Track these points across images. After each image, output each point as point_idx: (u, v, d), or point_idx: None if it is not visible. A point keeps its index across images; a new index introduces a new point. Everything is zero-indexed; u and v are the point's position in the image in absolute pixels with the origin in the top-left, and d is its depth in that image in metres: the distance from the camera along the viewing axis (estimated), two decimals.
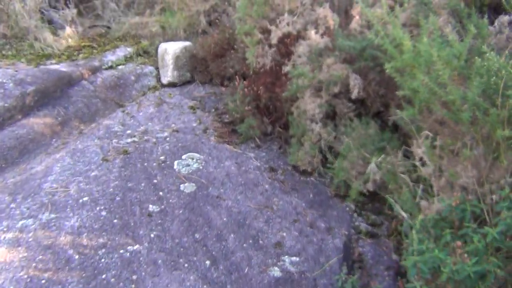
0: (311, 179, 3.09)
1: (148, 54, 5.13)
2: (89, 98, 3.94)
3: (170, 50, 4.43)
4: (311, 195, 2.92)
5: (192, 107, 3.94)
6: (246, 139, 3.43)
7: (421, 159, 2.43)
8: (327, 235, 2.57)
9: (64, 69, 4.05)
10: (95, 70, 4.32)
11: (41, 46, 5.10)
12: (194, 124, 3.63)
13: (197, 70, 4.55)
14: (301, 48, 3.01)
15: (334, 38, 2.98)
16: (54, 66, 4.18)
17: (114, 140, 3.34)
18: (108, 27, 6.39)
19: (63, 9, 6.14)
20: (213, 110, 3.93)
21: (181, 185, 2.82)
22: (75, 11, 5.83)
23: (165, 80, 4.49)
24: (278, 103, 3.49)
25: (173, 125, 3.60)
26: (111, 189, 2.73)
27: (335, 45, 2.96)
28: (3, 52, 4.83)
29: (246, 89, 3.52)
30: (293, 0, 2.99)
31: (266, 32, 3.50)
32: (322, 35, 2.99)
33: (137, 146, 3.24)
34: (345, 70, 2.82)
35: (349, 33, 3.01)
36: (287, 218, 2.66)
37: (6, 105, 3.39)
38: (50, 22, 5.84)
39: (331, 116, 3.22)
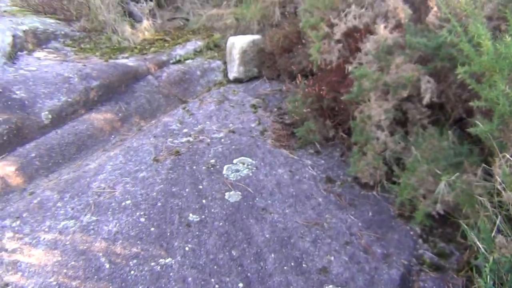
0: (372, 193, 2.74)
1: (219, 48, 5.00)
2: (152, 93, 3.90)
3: (237, 44, 4.24)
4: (370, 213, 2.57)
5: (253, 106, 3.73)
6: (305, 144, 3.14)
7: (502, 181, 2.01)
8: (382, 264, 2.22)
9: (131, 64, 4.04)
10: (162, 65, 4.27)
11: (118, 39, 5.20)
12: (253, 125, 3.41)
13: (264, 65, 4.33)
14: (368, 45, 2.65)
15: (405, 33, 2.58)
16: (123, 60, 4.20)
17: (169, 139, 3.24)
18: (187, 19, 6.39)
19: (143, 2, 6.24)
20: (275, 109, 3.69)
21: (227, 193, 2.63)
22: (152, 3, 5.88)
23: (231, 75, 4.33)
24: (343, 105, 3.16)
25: (230, 124, 3.42)
26: (155, 193, 2.62)
27: (406, 42, 2.56)
28: (82, 45, 4.98)
29: (308, 89, 3.23)
30: None
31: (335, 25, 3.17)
32: (391, 30, 2.60)
33: (190, 146, 3.10)
34: (415, 72, 2.42)
35: (425, 27, 2.59)
36: (338, 239, 2.36)
37: (69, 100, 3.43)
38: (130, 14, 5.95)
39: (401, 122, 2.82)
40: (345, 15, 2.74)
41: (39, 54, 4.34)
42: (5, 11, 5.08)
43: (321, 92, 3.14)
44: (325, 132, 3.16)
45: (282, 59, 4.14)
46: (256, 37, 4.39)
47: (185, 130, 3.38)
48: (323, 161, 3.00)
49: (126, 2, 5.95)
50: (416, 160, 2.47)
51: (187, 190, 2.65)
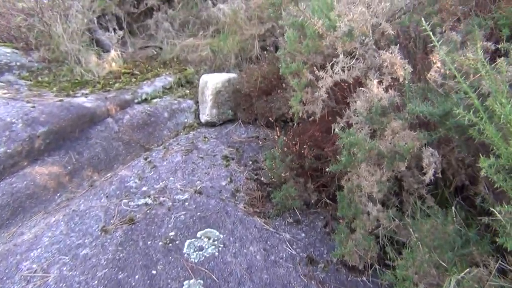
0: (362, 279, 2.28)
1: (191, 85, 4.56)
2: (110, 140, 3.40)
3: (210, 83, 3.80)
4: None
5: (226, 157, 3.27)
6: (282, 211, 2.69)
7: None
8: None
9: (88, 105, 3.55)
10: (125, 105, 3.79)
11: (81, 71, 4.72)
12: (223, 183, 2.95)
13: (240, 107, 3.89)
14: (358, 103, 2.23)
15: (403, 92, 2.17)
16: (81, 99, 3.71)
17: (124, 201, 2.75)
18: (160, 48, 5.96)
19: (114, 29, 5.79)
20: (250, 162, 3.23)
21: (186, 282, 2.14)
22: (121, 32, 5.43)
23: (203, 118, 3.88)
24: (330, 158, 2.72)
25: (198, 182, 2.95)
26: (96, 282, 2.11)
27: (404, 102, 2.14)
28: (40, 77, 4.49)
29: (288, 144, 2.79)
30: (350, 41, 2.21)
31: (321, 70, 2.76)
32: (387, 88, 2.18)
33: (147, 212, 2.62)
34: (416, 142, 2.00)
35: (426, 86, 2.18)
36: None
37: (8, 151, 2.92)
38: (98, 43, 5.49)
39: (395, 191, 2.40)
40: (332, 66, 2.32)
41: None
42: None
43: (302, 151, 2.71)
44: (307, 196, 2.71)
45: (260, 102, 3.72)
46: (232, 75, 3.96)
47: (144, 189, 2.89)
48: (303, 234, 2.53)
49: (94, 30, 5.49)
50: (415, 247, 2.03)
51: (136, 277, 2.15)
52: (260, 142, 3.52)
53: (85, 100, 3.65)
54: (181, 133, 3.74)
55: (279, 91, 3.47)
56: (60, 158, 3.12)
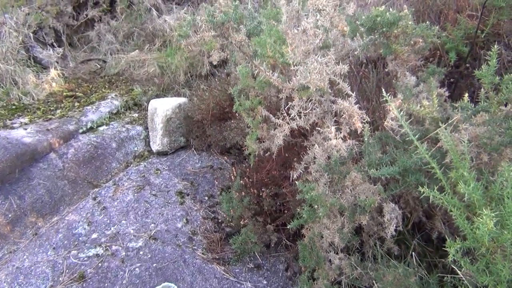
0: None
1: (140, 108, 4.37)
2: (54, 180, 3.18)
3: (160, 110, 3.64)
4: None
5: (180, 193, 3.14)
6: (242, 255, 2.61)
7: None
8: None
9: (28, 140, 3.30)
10: (69, 137, 3.56)
11: (18, 94, 4.40)
12: (179, 224, 2.83)
13: (193, 134, 3.77)
14: (316, 151, 2.18)
15: (362, 141, 2.15)
16: (19, 132, 3.44)
17: (73, 252, 2.58)
18: (104, 61, 5.68)
19: (53, 44, 5.44)
20: (206, 198, 3.13)
21: None
22: (61, 50, 5.11)
23: (154, 147, 3.72)
24: (287, 203, 2.68)
25: (152, 225, 2.81)
26: None
27: (363, 152, 2.12)
28: None
29: (244, 183, 2.71)
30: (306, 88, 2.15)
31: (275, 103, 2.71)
32: (345, 137, 2.15)
33: (99, 265, 2.46)
34: (377, 196, 1.98)
35: (384, 134, 2.17)
36: None
37: None
38: (36, 60, 5.15)
39: (355, 232, 2.38)
40: (288, 110, 2.25)
41: None
42: None
43: (260, 193, 2.64)
44: (266, 238, 2.65)
45: (213, 129, 3.61)
46: (182, 100, 3.82)
47: (94, 236, 2.73)
48: (265, 282, 2.47)
49: (31, 46, 5.14)
50: None
51: None
52: (215, 173, 3.42)
53: (24, 134, 3.39)
54: (131, 165, 3.57)
55: (232, 121, 3.38)
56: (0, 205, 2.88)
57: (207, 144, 3.72)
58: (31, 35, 5.12)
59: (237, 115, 3.35)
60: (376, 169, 2.01)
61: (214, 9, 2.22)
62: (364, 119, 2.06)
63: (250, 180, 2.83)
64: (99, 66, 5.68)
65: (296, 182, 2.17)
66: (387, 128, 2.19)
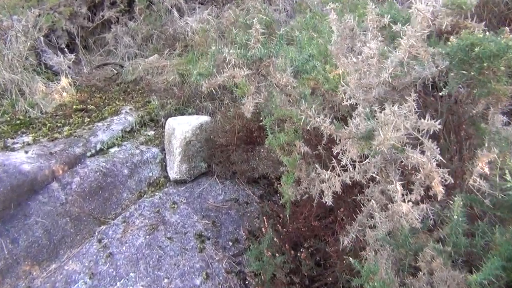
0: None
1: (156, 124, 3.90)
2: (54, 217, 2.74)
3: (178, 132, 3.16)
4: None
5: (200, 236, 2.66)
6: None
7: None
8: None
9: (27, 168, 2.86)
10: (74, 162, 3.11)
11: (25, 106, 3.98)
12: (198, 281, 2.35)
13: (215, 159, 3.27)
14: (377, 216, 1.66)
15: (438, 209, 1.61)
16: (19, 155, 3.01)
17: None
18: (121, 66, 5.24)
19: (64, 49, 5.02)
20: (230, 243, 2.64)
21: None
22: (73, 56, 4.67)
23: (171, 174, 3.24)
24: (333, 259, 2.17)
25: (165, 280, 2.34)
26: None
27: (442, 222, 1.59)
28: None
29: (277, 243, 2.21)
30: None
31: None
32: (417, 202, 1.61)
33: None
34: None
35: (468, 195, 1.62)
36: None
37: None
38: (47, 66, 4.73)
39: None
40: (339, 161, 1.73)
41: None
42: None
43: (299, 254, 2.13)
44: None
45: (239, 155, 3.11)
46: (204, 119, 3.33)
47: None
48: None
49: (41, 50, 4.72)
50: None
51: None
52: (241, 209, 2.92)
53: (24, 160, 2.96)
54: (144, 195, 3.10)
55: (262, 149, 2.87)
56: None
57: (231, 171, 3.23)
58: (42, 38, 4.70)
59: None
60: (463, 255, 1.47)
61: (248, 37, 1.70)
62: (445, 180, 1.52)
63: (284, 229, 2.33)
64: (115, 72, 5.23)
65: (349, 258, 1.65)
66: (472, 188, 1.65)
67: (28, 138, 3.42)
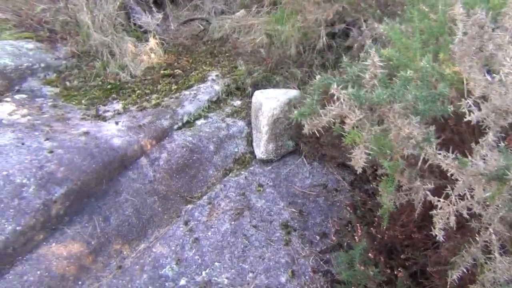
0: None
1: (242, 93, 3.76)
2: (143, 195, 2.77)
3: (266, 108, 3.00)
4: None
5: (286, 226, 2.56)
6: None
7: None
8: None
9: (117, 143, 2.89)
10: (162, 136, 3.10)
11: (115, 69, 4.01)
12: (283, 279, 2.28)
13: (304, 137, 3.09)
14: (498, 261, 1.41)
15: None
16: (109, 127, 3.04)
17: None
18: (208, 21, 5.10)
19: (155, 1, 4.95)
20: (317, 238, 2.51)
21: None
22: (160, 16, 4.58)
23: (257, 153, 3.13)
24: (434, 280, 1.97)
25: (250, 275, 2.29)
26: None
27: None
28: (68, 81, 3.84)
29: (372, 254, 2.03)
30: None
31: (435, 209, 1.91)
32: None
33: None
34: None
35: None
36: None
37: (18, 228, 2.36)
38: (136, 25, 4.71)
39: None
40: (452, 189, 1.47)
41: (4, 108, 3.23)
42: None
43: (396, 273, 1.94)
44: None
45: (329, 135, 2.90)
46: (293, 94, 3.13)
47: (182, 282, 2.29)
48: None
49: (130, 8, 4.69)
50: None
51: None
52: (329, 196, 2.76)
53: (115, 133, 2.98)
54: (230, 173, 3.03)
55: None
56: (82, 228, 2.53)
57: (320, 153, 3.04)
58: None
59: None
60: None
61: (361, 68, 1.43)
62: None
63: (379, 235, 2.14)
64: (202, 28, 5.10)
65: None
66: None
67: (118, 106, 3.45)
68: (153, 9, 4.79)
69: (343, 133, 1.53)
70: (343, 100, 1.38)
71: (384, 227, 1.99)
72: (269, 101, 3.03)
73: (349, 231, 2.39)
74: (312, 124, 1.57)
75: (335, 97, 1.41)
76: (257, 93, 3.20)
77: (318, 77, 1.61)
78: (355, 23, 3.95)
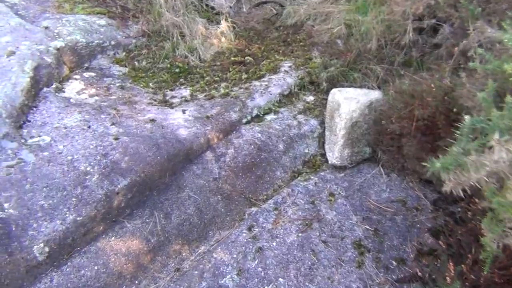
0: None
1: (316, 88, 3.49)
2: (207, 193, 2.61)
3: (344, 109, 2.74)
4: None
5: (359, 245, 2.32)
6: None
7: None
8: None
9: (183, 134, 2.74)
10: (229, 130, 2.92)
11: (185, 52, 3.87)
12: None
13: (382, 145, 2.81)
14: None
15: None
16: (176, 116, 2.91)
17: None
18: (281, 5, 4.84)
19: None
20: (394, 263, 2.25)
21: None
22: None
23: (330, 156, 2.89)
24: None
25: None
26: None
27: None
28: (137, 61, 3.75)
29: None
30: None
31: None
32: None
33: None
34: None
35: None
36: None
37: (79, 218, 2.27)
38: (208, 5, 4.54)
39: None
40: None
41: (73, 86, 3.18)
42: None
43: None
44: None
45: (413, 147, 2.60)
46: (374, 96, 2.83)
47: None
48: None
49: None
50: None
51: None
52: (409, 216, 2.48)
53: (181, 123, 2.84)
54: (299, 176, 2.81)
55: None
56: (143, 223, 2.41)
57: (400, 163, 2.74)
58: None
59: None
60: None
61: None
62: None
63: (473, 277, 1.85)
64: (274, 12, 4.85)
65: None
66: None
67: (186, 92, 3.31)
68: None
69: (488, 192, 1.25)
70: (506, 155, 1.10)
71: (485, 272, 1.71)
72: (348, 102, 2.76)
73: (435, 264, 2.12)
74: (457, 181, 1.28)
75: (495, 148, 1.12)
76: (335, 91, 2.93)
77: (466, 118, 1.31)
78: (448, 19, 3.55)
